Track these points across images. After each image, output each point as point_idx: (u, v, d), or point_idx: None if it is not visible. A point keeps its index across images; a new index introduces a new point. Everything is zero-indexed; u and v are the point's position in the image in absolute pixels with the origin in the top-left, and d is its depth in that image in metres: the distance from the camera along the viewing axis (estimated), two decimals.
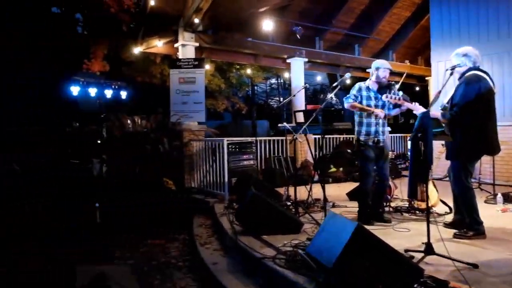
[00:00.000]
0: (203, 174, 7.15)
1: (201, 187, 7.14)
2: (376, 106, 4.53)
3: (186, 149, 7.15)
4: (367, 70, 9.46)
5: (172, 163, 6.64)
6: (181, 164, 7.13)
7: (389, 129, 4.75)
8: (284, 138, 6.85)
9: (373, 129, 4.53)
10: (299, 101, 8.93)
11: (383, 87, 4.46)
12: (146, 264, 4.86)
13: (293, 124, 5.54)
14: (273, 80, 29.38)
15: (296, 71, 9.65)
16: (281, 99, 28.60)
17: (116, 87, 5.55)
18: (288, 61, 9.76)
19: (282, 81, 28.20)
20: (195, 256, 4.87)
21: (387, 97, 4.01)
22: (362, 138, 4.57)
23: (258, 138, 7.60)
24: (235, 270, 3.87)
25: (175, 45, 7.94)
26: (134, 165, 6.20)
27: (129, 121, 6.16)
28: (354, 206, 5.20)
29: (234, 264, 4.05)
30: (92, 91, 5.36)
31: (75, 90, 5.62)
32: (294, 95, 7.44)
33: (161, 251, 5.40)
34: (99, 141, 6.12)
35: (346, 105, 4.57)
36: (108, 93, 5.56)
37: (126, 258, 5.14)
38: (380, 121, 4.54)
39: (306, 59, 9.73)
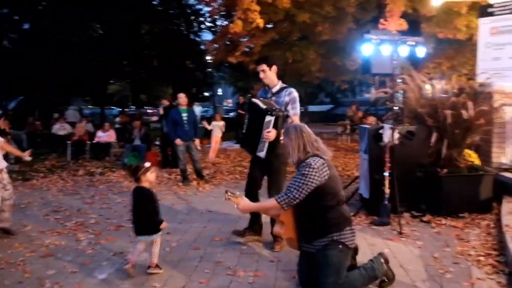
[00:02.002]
0: None
1: None
2: None
3: (496, 115, 5.82)
4: None
5: (477, 132, 5.50)
6: (489, 134, 5.87)
7: None
8: None
9: None
10: None
11: None
12: (436, 249, 4.18)
13: None
14: None
15: None
16: None
17: (413, 43, 4.84)
18: None
19: None
20: (504, 252, 3.86)
21: None
22: None
23: None
24: None
25: None
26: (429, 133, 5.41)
27: (426, 83, 5.38)
28: None
29: None
30: (385, 50, 4.83)
31: (367, 49, 5.21)
32: None
33: (456, 236, 4.58)
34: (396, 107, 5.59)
35: None
36: (403, 50, 4.91)
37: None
38: None
39: None
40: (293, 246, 3.27)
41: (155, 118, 9.89)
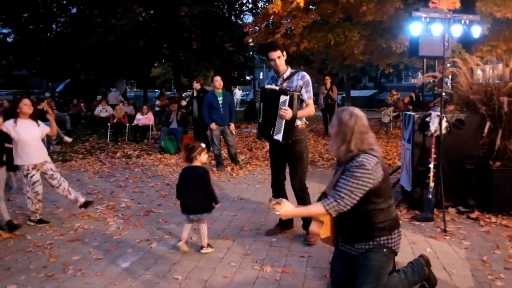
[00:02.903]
0: None
1: None
2: None
3: None
4: None
5: None
6: None
7: None
8: None
9: None
10: None
11: None
12: (485, 251, 3.78)
13: None
14: None
15: None
16: None
17: (467, 22, 4.34)
18: None
19: None
20: None
21: None
22: None
23: None
24: None
25: None
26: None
27: (480, 67, 4.87)
28: None
29: None
30: (436, 29, 4.37)
31: (416, 28, 4.73)
32: None
33: (508, 237, 4.15)
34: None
35: None
36: (456, 30, 4.43)
37: None
38: None
39: None
40: (329, 243, 2.99)
41: (183, 103, 9.73)
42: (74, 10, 21.68)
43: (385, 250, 2.64)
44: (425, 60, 5.71)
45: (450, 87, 5.88)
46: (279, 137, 3.88)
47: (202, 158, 3.84)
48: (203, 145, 3.87)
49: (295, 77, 4.03)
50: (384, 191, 2.62)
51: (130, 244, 4.09)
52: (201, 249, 3.85)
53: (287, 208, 2.58)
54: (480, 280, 3.24)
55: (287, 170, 4.21)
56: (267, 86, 4.06)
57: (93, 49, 17.61)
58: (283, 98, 3.81)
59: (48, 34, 22.56)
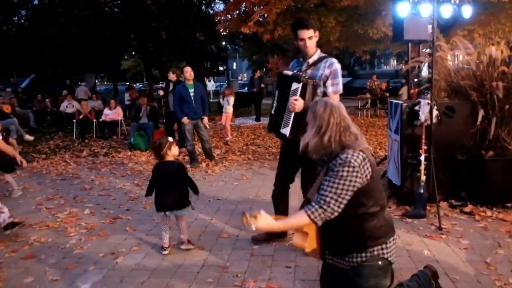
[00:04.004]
0: None
1: None
2: None
3: None
4: None
5: None
6: None
7: None
8: None
9: None
10: None
11: None
12: (487, 251, 3.46)
13: None
14: None
15: None
16: None
17: (457, 1, 3.98)
18: None
19: None
20: None
21: None
22: None
23: None
24: None
25: None
26: None
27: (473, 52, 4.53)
28: None
29: None
30: (425, 10, 3.98)
31: (404, 9, 4.33)
32: None
33: (508, 233, 3.86)
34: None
35: None
36: (446, 10, 4.06)
37: None
38: None
39: None
40: (316, 256, 2.57)
41: (161, 93, 9.15)
42: (36, 2, 20.63)
43: (380, 262, 2.24)
44: (410, 45, 5.35)
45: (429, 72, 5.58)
46: (286, 131, 3.29)
47: (174, 152, 3.74)
48: (170, 138, 3.77)
49: (322, 64, 3.36)
50: (375, 191, 2.23)
51: (93, 260, 3.59)
52: (181, 244, 3.71)
53: (263, 221, 2.14)
54: (487, 287, 2.91)
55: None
56: (285, 72, 3.44)
57: (56, 42, 16.69)
58: (294, 86, 3.22)
59: (9, 27, 21.39)
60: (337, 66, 3.38)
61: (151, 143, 3.79)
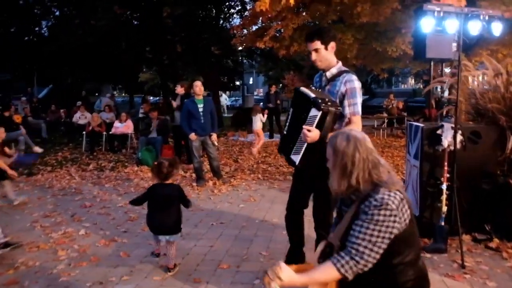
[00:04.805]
0: None
1: None
2: None
3: None
4: None
5: None
6: None
7: None
8: None
9: None
10: None
11: None
12: None
13: None
14: None
15: None
16: None
17: (487, 17, 3.63)
18: None
19: None
20: None
21: None
22: None
23: None
24: None
25: None
26: None
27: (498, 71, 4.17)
28: None
29: None
30: (451, 25, 3.65)
31: (427, 24, 3.99)
32: None
33: None
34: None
35: None
36: (474, 27, 3.71)
37: None
38: None
39: None
40: None
41: (174, 104, 8.99)
42: (57, 13, 20.88)
43: None
44: (432, 63, 5.00)
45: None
46: (296, 158, 2.96)
47: (177, 173, 3.94)
48: (175, 158, 3.97)
49: (339, 80, 3.02)
50: (413, 236, 1.90)
51: None
52: (169, 271, 3.53)
53: (286, 278, 1.81)
54: None
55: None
56: (303, 90, 3.00)
57: (74, 52, 16.77)
58: (313, 112, 2.81)
59: (31, 37, 21.67)
60: (356, 84, 3.00)
61: (156, 165, 3.64)
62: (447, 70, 7.27)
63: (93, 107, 16.43)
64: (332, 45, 3.05)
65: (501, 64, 4.38)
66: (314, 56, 3.04)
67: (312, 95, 2.87)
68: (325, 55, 3.04)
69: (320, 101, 2.77)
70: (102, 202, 5.94)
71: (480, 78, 4.92)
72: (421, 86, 33.54)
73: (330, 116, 2.78)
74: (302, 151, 2.90)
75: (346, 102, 2.97)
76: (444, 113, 5.29)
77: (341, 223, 1.91)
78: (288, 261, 3.45)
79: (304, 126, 2.83)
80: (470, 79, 4.98)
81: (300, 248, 3.48)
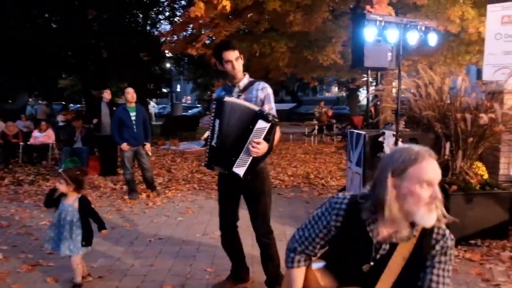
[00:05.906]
0: None
1: None
2: None
3: (507, 120, 4.87)
4: None
5: (489, 140, 4.55)
6: (498, 142, 4.93)
7: None
8: None
9: None
10: None
11: None
12: None
13: None
14: None
15: None
16: None
17: (423, 28, 3.75)
18: None
19: None
20: None
21: None
22: None
23: None
24: None
25: None
26: None
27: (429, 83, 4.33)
28: None
29: None
30: (392, 35, 3.73)
31: (370, 33, 4.05)
32: None
33: (479, 276, 3.57)
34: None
35: None
36: (412, 37, 3.83)
37: None
38: None
39: None
40: None
41: (95, 121, 8.45)
42: None
43: None
44: (369, 72, 5.11)
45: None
46: (240, 171, 2.82)
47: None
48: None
49: (254, 87, 3.02)
50: None
51: None
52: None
53: None
54: None
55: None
56: (233, 100, 2.86)
57: None
58: (261, 124, 2.74)
59: None
60: (270, 90, 3.07)
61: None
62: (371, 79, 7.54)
63: (6, 115, 15.03)
64: (242, 56, 3.05)
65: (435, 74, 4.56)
66: (236, 64, 2.96)
67: (255, 107, 2.85)
68: (241, 65, 3.03)
69: (266, 112, 2.77)
70: (21, 220, 5.33)
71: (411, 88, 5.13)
72: (344, 94, 35.12)
73: (275, 127, 2.80)
74: (248, 164, 2.80)
75: (266, 107, 2.97)
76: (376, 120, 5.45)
77: (402, 272, 1.61)
78: (234, 277, 3.31)
79: (253, 140, 2.74)
80: (403, 86, 5.16)
81: (243, 261, 3.36)
